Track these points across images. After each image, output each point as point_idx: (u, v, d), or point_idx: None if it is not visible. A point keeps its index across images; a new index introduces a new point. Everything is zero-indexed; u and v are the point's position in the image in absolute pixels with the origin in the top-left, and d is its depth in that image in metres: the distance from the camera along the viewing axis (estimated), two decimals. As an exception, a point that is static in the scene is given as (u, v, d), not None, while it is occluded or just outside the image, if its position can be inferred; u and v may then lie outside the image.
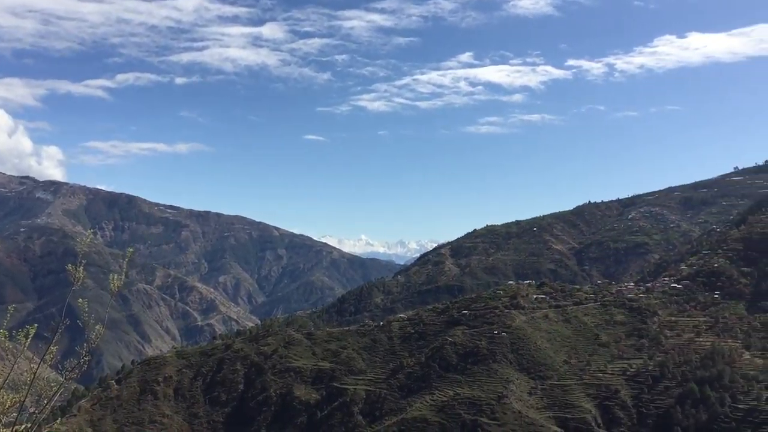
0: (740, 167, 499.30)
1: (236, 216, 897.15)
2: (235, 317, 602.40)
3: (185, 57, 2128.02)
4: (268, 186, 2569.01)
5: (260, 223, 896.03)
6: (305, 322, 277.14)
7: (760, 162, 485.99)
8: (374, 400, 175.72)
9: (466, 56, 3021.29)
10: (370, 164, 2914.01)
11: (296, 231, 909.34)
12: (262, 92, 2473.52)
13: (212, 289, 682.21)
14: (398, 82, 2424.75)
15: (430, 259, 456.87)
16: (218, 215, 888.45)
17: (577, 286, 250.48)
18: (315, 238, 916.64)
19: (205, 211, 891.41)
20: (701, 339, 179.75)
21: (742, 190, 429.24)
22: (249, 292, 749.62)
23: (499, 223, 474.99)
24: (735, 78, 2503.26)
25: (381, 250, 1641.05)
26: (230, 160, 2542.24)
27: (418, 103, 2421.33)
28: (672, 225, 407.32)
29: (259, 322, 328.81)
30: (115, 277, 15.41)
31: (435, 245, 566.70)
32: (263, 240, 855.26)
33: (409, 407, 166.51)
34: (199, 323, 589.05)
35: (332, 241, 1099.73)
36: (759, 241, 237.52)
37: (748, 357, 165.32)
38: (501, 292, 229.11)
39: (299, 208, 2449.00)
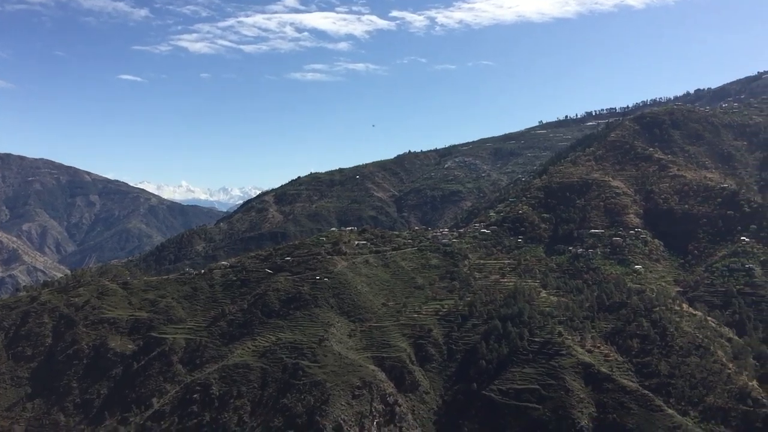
0: (544, 121, 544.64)
1: (42, 159, 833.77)
2: (42, 267, 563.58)
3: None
4: (78, 128, 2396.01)
5: (70, 167, 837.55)
6: (121, 271, 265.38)
7: (561, 117, 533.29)
8: (194, 349, 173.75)
9: (292, 0, 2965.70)
10: (192, 108, 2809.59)
11: (111, 176, 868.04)
12: (70, 26, 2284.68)
13: (15, 238, 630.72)
14: (222, 24, 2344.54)
15: (253, 206, 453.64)
16: (21, 158, 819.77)
17: (396, 232, 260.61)
18: (131, 184, 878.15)
19: (5, 154, 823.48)
20: (505, 280, 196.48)
21: (545, 142, 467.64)
22: (57, 240, 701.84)
23: (322, 171, 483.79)
24: (542, 37, 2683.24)
25: (203, 197, 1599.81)
26: (34, 99, 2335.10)
27: (242, 47, 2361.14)
28: (483, 174, 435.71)
29: (70, 272, 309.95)
30: None
31: (259, 192, 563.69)
32: (73, 185, 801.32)
33: (231, 354, 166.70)
34: (0, 275, 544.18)
35: (150, 187, 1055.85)
36: (557, 190, 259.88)
37: (545, 295, 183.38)
38: (324, 238, 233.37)
39: (114, 152, 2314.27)
